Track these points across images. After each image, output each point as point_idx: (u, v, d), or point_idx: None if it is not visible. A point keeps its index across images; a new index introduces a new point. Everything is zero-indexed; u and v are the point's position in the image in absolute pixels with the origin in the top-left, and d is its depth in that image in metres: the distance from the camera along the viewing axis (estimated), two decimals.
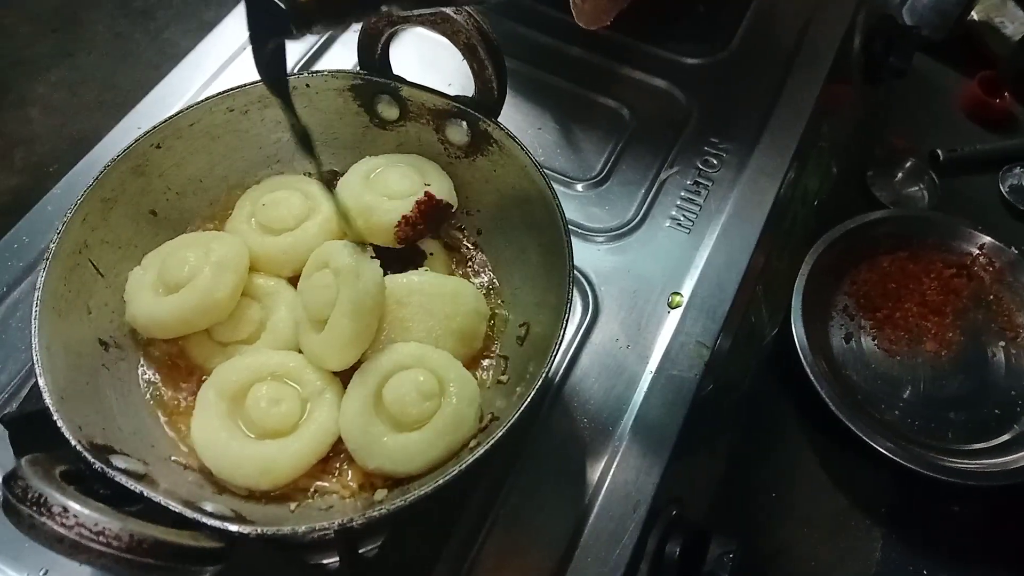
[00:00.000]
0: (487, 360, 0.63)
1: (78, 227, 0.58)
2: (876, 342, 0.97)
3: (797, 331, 0.92)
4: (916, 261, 1.01)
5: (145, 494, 0.46)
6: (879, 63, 1.00)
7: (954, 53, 1.29)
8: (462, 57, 0.61)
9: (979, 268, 1.01)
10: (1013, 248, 0.99)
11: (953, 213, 1.05)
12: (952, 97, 1.25)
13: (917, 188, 1.15)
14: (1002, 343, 0.97)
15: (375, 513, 0.48)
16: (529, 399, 0.51)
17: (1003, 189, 1.15)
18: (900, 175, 1.16)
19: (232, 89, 0.65)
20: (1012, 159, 1.17)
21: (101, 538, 0.39)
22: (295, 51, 0.90)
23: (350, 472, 0.57)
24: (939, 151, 1.16)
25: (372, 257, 0.58)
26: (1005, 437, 0.91)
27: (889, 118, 1.22)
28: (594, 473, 0.65)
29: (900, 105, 1.24)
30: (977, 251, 1.01)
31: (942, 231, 1.03)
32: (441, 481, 0.48)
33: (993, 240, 1.01)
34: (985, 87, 1.21)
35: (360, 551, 0.60)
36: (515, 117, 0.86)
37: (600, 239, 0.78)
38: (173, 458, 0.56)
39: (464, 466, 0.49)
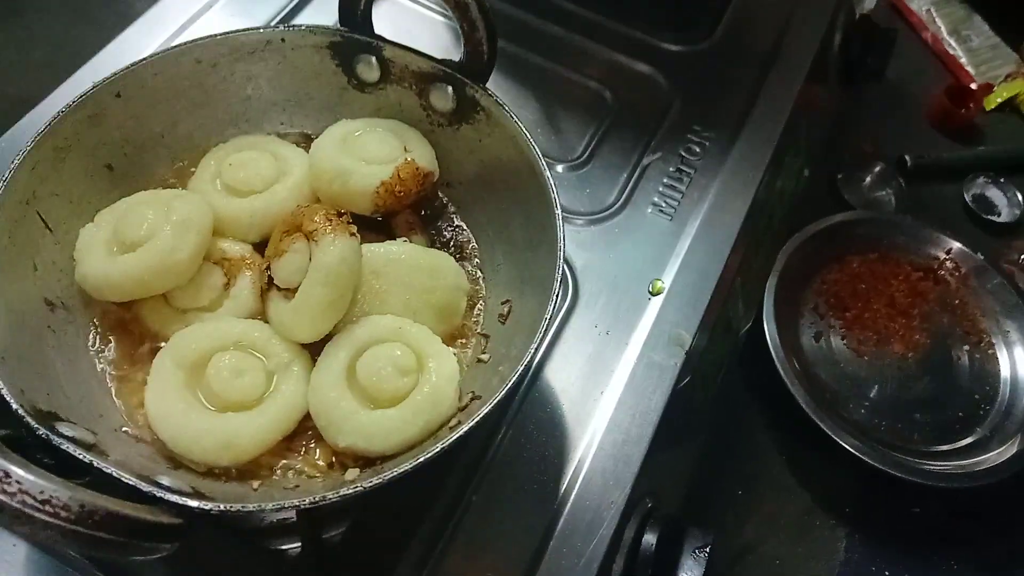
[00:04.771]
0: (467, 338, 0.59)
1: (26, 176, 0.53)
2: (845, 342, 0.97)
3: (769, 328, 0.91)
4: (885, 263, 1.02)
5: (95, 464, 0.42)
6: (856, 63, 1.00)
7: (923, 63, 1.31)
8: (441, 24, 0.58)
9: (946, 272, 1.01)
10: (980, 254, 1.00)
11: (922, 218, 1.06)
12: (920, 106, 1.26)
13: (885, 192, 1.16)
14: (966, 347, 0.98)
15: (349, 491, 0.44)
16: (516, 376, 0.48)
17: (967, 197, 1.16)
18: (869, 179, 1.17)
19: (201, 39, 0.60)
20: (976, 168, 1.19)
21: (47, 507, 0.35)
22: (264, 12, 0.85)
23: (318, 451, 0.53)
24: (907, 157, 1.17)
25: (349, 223, 0.54)
26: (968, 440, 0.91)
27: (860, 123, 1.23)
28: (571, 461, 0.63)
29: (871, 111, 1.25)
30: (944, 256, 1.02)
31: (911, 235, 1.03)
32: (422, 459, 0.45)
33: (961, 246, 1.01)
34: (952, 97, 1.23)
35: (323, 536, 0.57)
36: (495, 93, 0.83)
37: (580, 222, 0.75)
38: (124, 429, 0.51)
39: (447, 444, 0.46)
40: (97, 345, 0.55)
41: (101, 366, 0.54)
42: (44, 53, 1.14)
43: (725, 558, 0.86)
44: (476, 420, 0.47)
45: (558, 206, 0.55)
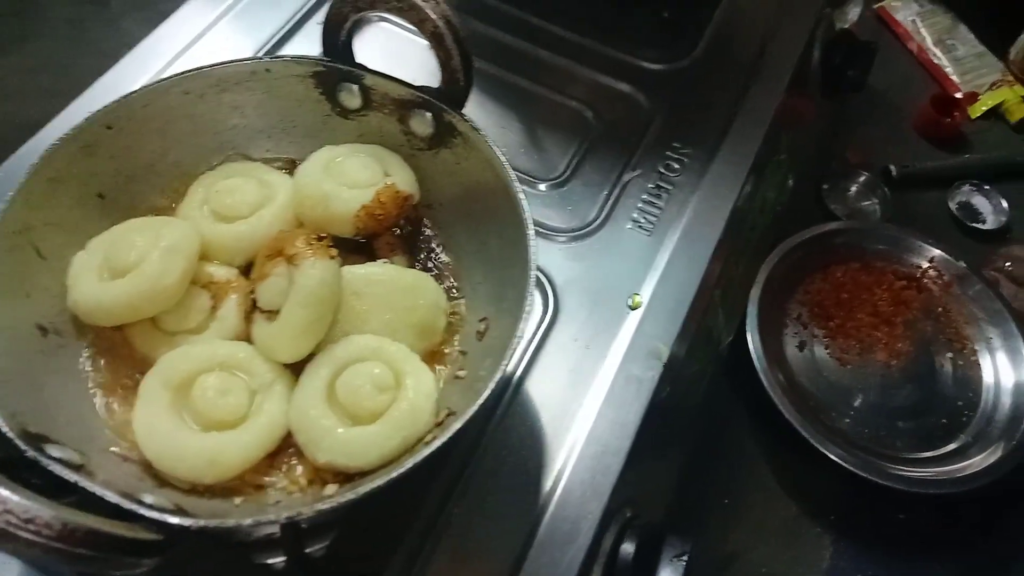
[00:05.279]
0: (445, 355, 0.61)
1: (20, 207, 0.55)
2: (828, 351, 0.98)
3: (752, 338, 0.93)
4: (868, 272, 1.03)
5: (80, 483, 0.44)
6: (838, 76, 1.02)
7: (909, 72, 1.33)
8: (427, 48, 0.60)
9: (929, 281, 1.03)
10: (962, 262, 1.02)
11: (904, 227, 1.08)
12: (905, 115, 1.28)
13: (870, 202, 1.18)
14: (950, 354, 0.99)
15: (324, 507, 0.46)
16: (487, 393, 0.50)
17: (952, 206, 1.18)
18: (854, 189, 1.19)
19: (189, 71, 0.63)
20: (961, 176, 1.20)
21: (31, 526, 0.37)
22: (256, 39, 0.88)
23: (299, 467, 0.55)
24: (892, 167, 1.19)
25: (330, 246, 0.56)
26: (952, 446, 0.93)
27: (845, 133, 1.25)
28: (550, 473, 0.64)
29: (855, 121, 1.26)
30: (927, 264, 1.03)
31: (894, 244, 1.05)
32: (394, 474, 0.47)
33: (943, 254, 1.03)
34: (937, 106, 1.24)
35: (307, 550, 0.59)
36: (479, 115, 0.83)
37: (562, 239, 0.77)
38: (112, 450, 0.53)
39: (419, 459, 0.47)
40: (88, 368, 0.57)
41: (92, 388, 0.56)
42: (49, 80, 1.17)
43: (711, 566, 0.87)
44: (449, 435, 0.49)
45: (531, 227, 0.56)
